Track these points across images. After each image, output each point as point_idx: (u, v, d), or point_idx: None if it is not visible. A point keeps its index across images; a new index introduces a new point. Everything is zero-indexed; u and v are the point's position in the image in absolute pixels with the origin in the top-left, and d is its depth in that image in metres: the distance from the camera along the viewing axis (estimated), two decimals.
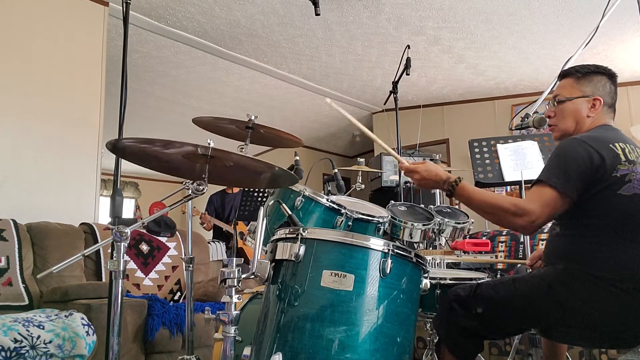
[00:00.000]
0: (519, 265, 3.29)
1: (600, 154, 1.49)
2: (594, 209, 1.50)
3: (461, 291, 1.64)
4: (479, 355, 1.78)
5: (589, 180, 1.49)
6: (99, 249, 3.01)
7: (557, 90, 1.76)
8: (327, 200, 1.81)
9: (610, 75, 1.70)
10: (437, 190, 4.82)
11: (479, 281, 1.75)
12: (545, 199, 1.49)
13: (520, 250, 3.41)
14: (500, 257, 3.34)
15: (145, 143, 1.43)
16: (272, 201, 1.90)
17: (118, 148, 1.53)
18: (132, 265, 3.21)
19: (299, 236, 1.43)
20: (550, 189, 1.49)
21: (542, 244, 3.12)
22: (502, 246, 3.50)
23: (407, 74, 3.35)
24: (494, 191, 5.82)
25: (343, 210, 1.80)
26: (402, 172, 1.81)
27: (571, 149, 1.53)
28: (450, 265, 2.61)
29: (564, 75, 1.75)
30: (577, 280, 1.47)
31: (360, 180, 2.79)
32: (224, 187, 4.89)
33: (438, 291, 1.87)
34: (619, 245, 1.46)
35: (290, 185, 1.82)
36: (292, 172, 1.58)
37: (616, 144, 1.53)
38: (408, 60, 3.31)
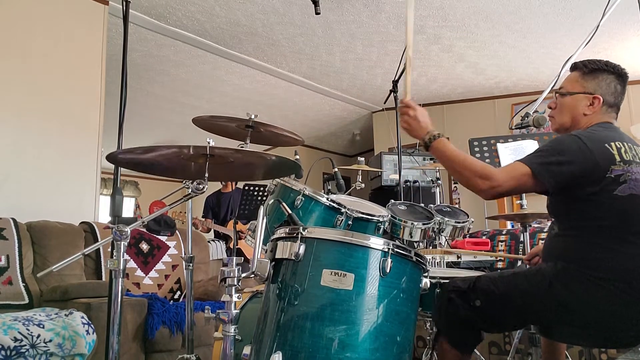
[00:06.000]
0: (519, 264, 3.29)
1: (592, 153, 1.48)
2: (591, 210, 1.49)
3: (461, 283, 1.64)
4: (478, 354, 1.78)
5: (574, 178, 1.48)
6: (99, 248, 3.01)
7: (563, 82, 1.73)
8: (327, 199, 1.81)
9: (619, 74, 1.65)
10: (437, 189, 4.83)
11: (479, 274, 1.75)
12: (515, 172, 1.51)
13: (520, 249, 3.41)
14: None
15: (128, 153, 1.42)
16: (272, 200, 1.91)
17: (114, 159, 1.53)
18: (132, 264, 3.21)
19: (299, 235, 1.43)
20: (525, 166, 1.50)
21: (542, 243, 3.11)
22: (501, 245, 3.50)
23: None
24: None
25: (343, 210, 1.80)
26: (401, 104, 1.74)
27: (562, 143, 1.53)
28: (450, 265, 2.61)
29: (573, 67, 1.72)
30: (576, 280, 1.47)
31: (360, 179, 2.80)
32: (219, 188, 4.90)
33: (438, 290, 1.87)
34: (617, 245, 1.46)
35: (291, 174, 1.83)
36: (292, 165, 1.58)
37: (612, 144, 1.51)
38: None
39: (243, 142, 1.97)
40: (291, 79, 5.79)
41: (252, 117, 1.94)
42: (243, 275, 1.42)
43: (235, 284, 1.41)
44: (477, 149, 2.68)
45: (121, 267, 1.41)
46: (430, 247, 2.58)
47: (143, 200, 9.64)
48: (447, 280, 1.87)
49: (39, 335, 1.99)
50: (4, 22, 3.37)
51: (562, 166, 1.48)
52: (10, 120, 3.31)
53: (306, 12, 4.23)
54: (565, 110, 1.68)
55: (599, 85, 1.64)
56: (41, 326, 2.04)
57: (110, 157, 1.48)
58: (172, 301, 3.15)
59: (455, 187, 6.44)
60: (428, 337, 2.17)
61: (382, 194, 5.61)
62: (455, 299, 1.61)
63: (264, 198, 3.85)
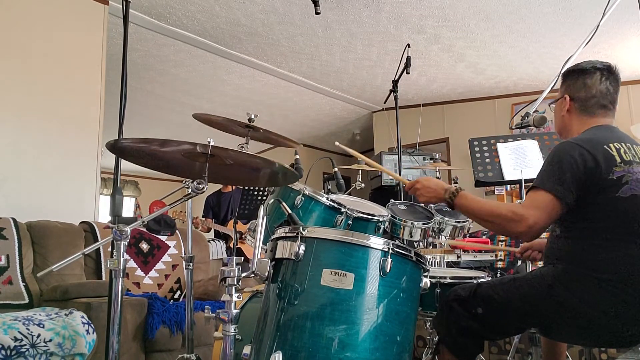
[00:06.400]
0: (519, 264, 3.29)
1: (594, 157, 1.48)
2: (594, 212, 1.49)
3: (461, 291, 1.64)
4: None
5: (584, 184, 1.48)
6: (99, 248, 3.01)
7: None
8: (327, 199, 1.81)
9: (582, 70, 1.69)
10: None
11: (479, 281, 1.75)
12: (540, 203, 1.49)
13: None
14: (500, 255, 3.34)
15: (143, 142, 1.42)
16: (272, 200, 1.91)
17: (117, 148, 1.53)
18: (132, 263, 3.21)
19: (299, 235, 1.43)
20: (545, 192, 1.49)
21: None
22: (501, 245, 3.50)
23: (407, 73, 3.35)
24: (493, 191, 5.82)
25: (343, 209, 1.80)
26: (407, 190, 1.83)
27: (564, 152, 1.52)
28: (450, 264, 2.61)
29: None
30: (577, 281, 1.47)
31: (360, 179, 2.80)
32: (219, 187, 4.91)
33: (438, 290, 1.87)
34: (618, 246, 1.46)
35: (291, 183, 1.82)
36: (293, 169, 1.58)
37: (611, 145, 1.52)
38: (408, 59, 3.31)
39: (243, 142, 1.97)
40: (291, 79, 5.79)
41: (252, 116, 1.94)
42: (243, 275, 1.43)
43: (235, 283, 1.42)
44: (477, 149, 2.68)
45: (121, 267, 1.41)
46: (430, 247, 2.58)
47: (143, 200, 9.65)
48: (447, 281, 1.87)
49: (39, 335, 1.99)
50: (4, 22, 3.37)
51: (574, 177, 1.48)
52: (10, 120, 3.31)
53: (306, 12, 4.23)
54: (554, 118, 1.79)
55: (567, 87, 1.72)
56: (41, 326, 2.04)
57: (117, 146, 1.45)
58: (172, 301, 3.15)
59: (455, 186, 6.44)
60: (428, 337, 2.17)
61: (382, 193, 5.62)
62: (457, 308, 1.61)
63: (264, 198, 3.85)
